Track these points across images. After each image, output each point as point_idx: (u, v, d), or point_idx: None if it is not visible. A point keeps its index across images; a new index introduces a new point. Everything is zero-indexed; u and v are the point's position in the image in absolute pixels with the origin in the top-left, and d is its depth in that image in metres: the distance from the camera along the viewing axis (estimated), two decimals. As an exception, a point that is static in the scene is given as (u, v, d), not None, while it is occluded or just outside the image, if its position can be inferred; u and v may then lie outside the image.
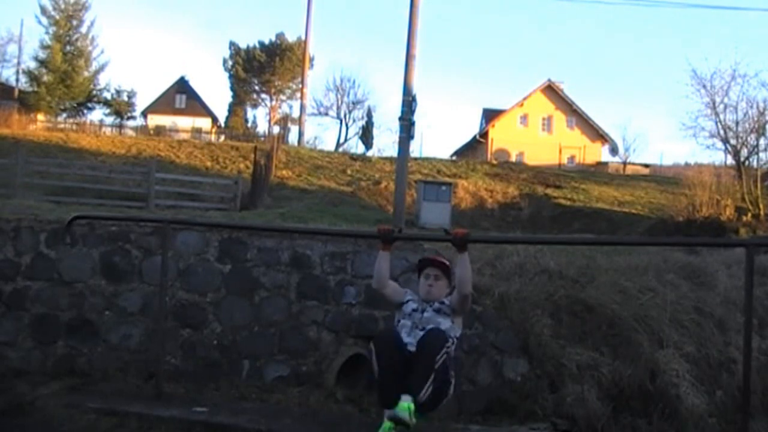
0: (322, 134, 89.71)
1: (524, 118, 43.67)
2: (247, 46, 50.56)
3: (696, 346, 6.59)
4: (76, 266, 5.75)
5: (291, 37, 48.75)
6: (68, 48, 40.54)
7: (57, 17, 40.37)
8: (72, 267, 5.74)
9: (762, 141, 19.10)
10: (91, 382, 5.39)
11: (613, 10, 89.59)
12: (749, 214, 16.71)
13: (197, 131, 42.83)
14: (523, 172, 25.01)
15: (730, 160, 19.75)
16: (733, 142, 19.07)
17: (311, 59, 38.68)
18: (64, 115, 41.49)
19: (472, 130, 48.17)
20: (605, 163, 37.86)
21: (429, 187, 17.16)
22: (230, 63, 50.83)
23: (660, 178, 28.15)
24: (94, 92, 43.29)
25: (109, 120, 43.52)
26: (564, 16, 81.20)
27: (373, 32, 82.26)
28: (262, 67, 48.96)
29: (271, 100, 51.31)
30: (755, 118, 18.88)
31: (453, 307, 3.84)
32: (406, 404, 3.48)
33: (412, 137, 14.49)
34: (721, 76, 19.21)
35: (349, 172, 22.80)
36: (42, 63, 39.79)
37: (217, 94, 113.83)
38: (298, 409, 5.20)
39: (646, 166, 37.34)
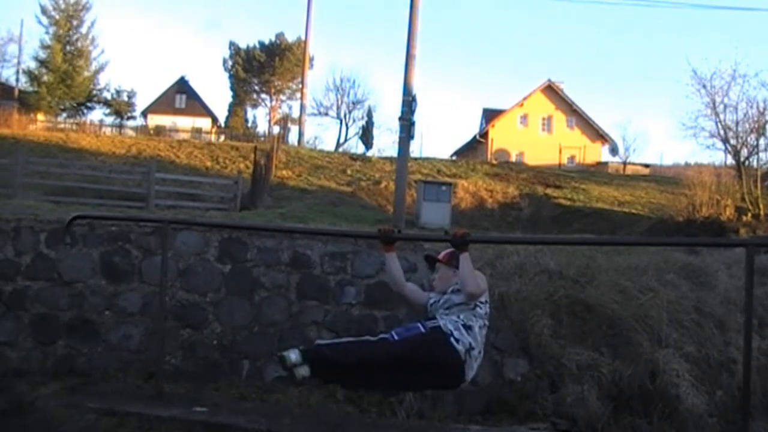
0: (322, 134, 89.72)
1: (524, 118, 43.64)
2: (247, 46, 50.60)
3: (696, 346, 6.58)
4: (76, 266, 5.75)
5: (291, 37, 48.83)
6: (68, 48, 40.53)
7: (57, 17, 40.37)
8: (72, 267, 5.74)
9: (762, 141, 19.05)
10: (91, 382, 5.39)
11: (614, 10, 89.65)
12: (749, 214, 16.68)
13: (197, 131, 42.80)
14: (523, 172, 25.00)
15: (730, 160, 19.72)
16: (733, 142, 19.03)
17: (311, 59, 38.67)
18: (64, 115, 41.49)
19: (472, 130, 48.23)
20: (605, 163, 37.82)
21: (429, 187, 17.14)
22: (230, 63, 50.84)
23: (660, 178, 28.11)
24: (94, 92, 43.30)
25: (109, 120, 43.58)
26: (564, 16, 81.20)
27: (373, 32, 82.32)
28: (262, 67, 48.97)
29: (271, 100, 51.31)
30: (755, 118, 18.84)
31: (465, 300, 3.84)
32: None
33: (412, 137, 14.47)
34: (721, 76, 19.17)
35: (349, 172, 22.78)
36: (42, 63, 39.78)
37: (217, 94, 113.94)
38: (298, 409, 5.20)
39: (646, 166, 37.29)
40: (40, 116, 38.39)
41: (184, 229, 6.00)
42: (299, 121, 35.02)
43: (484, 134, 43.43)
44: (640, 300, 6.90)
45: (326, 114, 46.06)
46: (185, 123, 45.54)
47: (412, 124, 14.12)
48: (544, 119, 43.63)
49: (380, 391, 5.18)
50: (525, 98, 43.70)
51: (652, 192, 22.97)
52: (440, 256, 4.03)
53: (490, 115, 44.94)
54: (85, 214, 6.34)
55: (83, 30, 41.66)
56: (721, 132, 19.16)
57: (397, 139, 14.91)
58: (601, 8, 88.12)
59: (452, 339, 3.50)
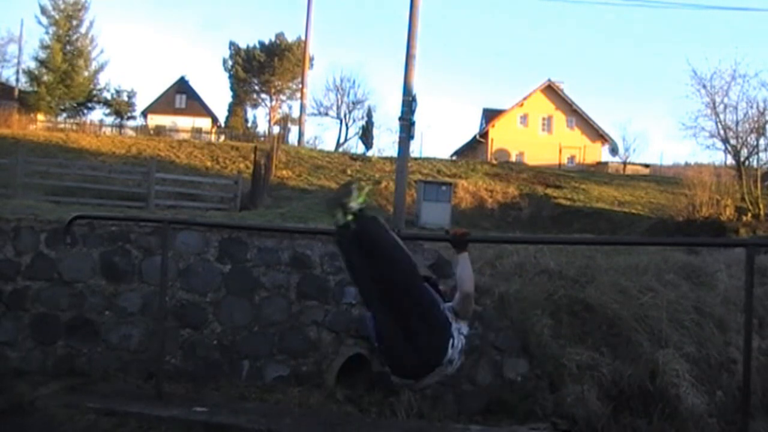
0: (322, 134, 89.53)
1: (524, 118, 43.64)
2: (247, 46, 50.56)
3: (696, 346, 6.58)
4: (76, 266, 5.75)
5: (291, 37, 48.81)
6: (68, 48, 40.51)
7: (57, 17, 40.35)
8: (72, 267, 5.74)
9: (762, 141, 19.09)
10: (91, 382, 5.39)
11: (613, 10, 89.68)
12: (749, 214, 16.71)
13: (197, 131, 42.77)
14: (523, 172, 24.99)
15: (730, 160, 19.75)
16: (733, 142, 19.05)
17: (311, 59, 38.62)
18: (64, 115, 41.47)
19: (472, 130, 48.21)
20: (605, 163, 37.81)
21: (429, 187, 17.14)
22: (230, 63, 50.82)
23: (660, 178, 28.10)
24: (94, 92, 43.29)
25: (109, 120, 43.56)
26: (564, 16, 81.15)
27: (373, 32, 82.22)
28: (262, 67, 48.95)
29: (271, 100, 51.29)
30: (755, 118, 18.87)
31: (456, 309, 3.83)
32: None
33: (412, 137, 14.47)
34: (721, 76, 19.20)
35: (349, 172, 22.78)
36: (42, 63, 39.77)
37: (217, 94, 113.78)
38: (298, 409, 5.20)
39: (646, 166, 37.28)
40: (40, 116, 38.38)
41: (184, 229, 5.99)
42: (299, 121, 34.99)
43: (484, 134, 43.42)
44: (640, 300, 6.91)
45: (326, 114, 46.09)
46: (185, 123, 45.50)
47: (412, 124, 14.12)
48: (544, 119, 43.62)
49: None
50: (525, 98, 43.70)
51: (652, 192, 22.97)
52: None
53: (490, 115, 44.93)
54: (85, 214, 6.34)
55: (83, 30, 41.66)
56: (721, 132, 19.20)
57: (397, 139, 14.91)
58: (602, 8, 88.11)
59: (452, 341, 3.48)
